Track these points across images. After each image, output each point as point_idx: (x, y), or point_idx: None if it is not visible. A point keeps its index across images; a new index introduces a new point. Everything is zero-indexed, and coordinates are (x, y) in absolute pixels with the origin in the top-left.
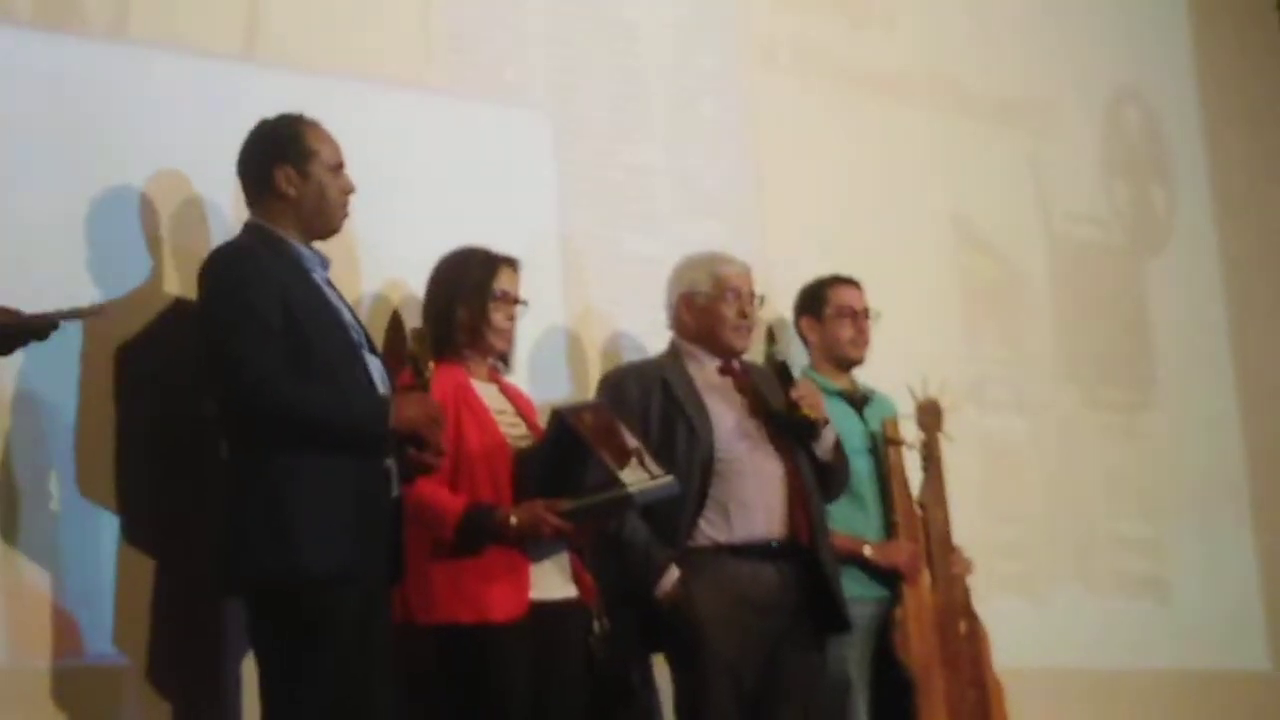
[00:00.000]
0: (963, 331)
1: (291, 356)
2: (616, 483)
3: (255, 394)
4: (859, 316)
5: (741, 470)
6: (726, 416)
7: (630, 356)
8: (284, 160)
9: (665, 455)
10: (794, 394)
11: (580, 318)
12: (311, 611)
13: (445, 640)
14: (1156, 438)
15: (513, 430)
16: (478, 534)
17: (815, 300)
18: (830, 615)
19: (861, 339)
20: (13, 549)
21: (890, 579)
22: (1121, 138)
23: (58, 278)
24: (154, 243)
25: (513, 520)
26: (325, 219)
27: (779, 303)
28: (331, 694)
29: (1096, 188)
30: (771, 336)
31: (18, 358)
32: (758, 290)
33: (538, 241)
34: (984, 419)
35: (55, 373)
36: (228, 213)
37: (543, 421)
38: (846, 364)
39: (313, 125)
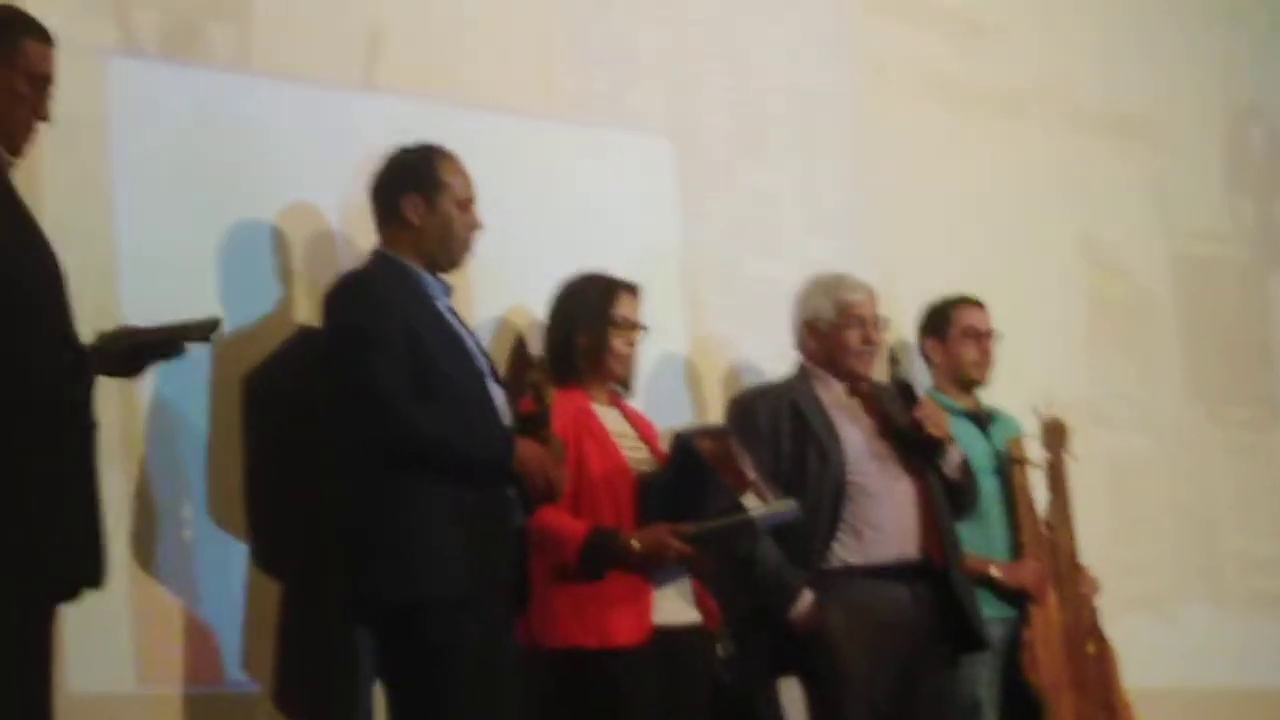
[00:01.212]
0: (1087, 350)
1: (417, 384)
2: (739, 507)
3: (382, 420)
4: (983, 337)
5: (873, 491)
6: (856, 438)
7: (751, 380)
8: (414, 190)
9: (796, 478)
10: (917, 413)
11: (701, 342)
12: (436, 636)
13: (569, 665)
14: None
15: (635, 454)
16: (600, 559)
17: (939, 321)
18: (964, 634)
19: (985, 359)
20: (146, 575)
21: (1018, 599)
22: (1244, 154)
23: (188, 308)
24: (282, 271)
25: (635, 545)
26: (449, 252)
27: (900, 322)
28: (460, 714)
29: (1220, 204)
30: (894, 358)
31: (149, 386)
32: (881, 313)
33: (659, 266)
34: (1109, 438)
35: (186, 401)
36: (353, 241)
37: (664, 445)
38: (970, 384)
39: (447, 158)
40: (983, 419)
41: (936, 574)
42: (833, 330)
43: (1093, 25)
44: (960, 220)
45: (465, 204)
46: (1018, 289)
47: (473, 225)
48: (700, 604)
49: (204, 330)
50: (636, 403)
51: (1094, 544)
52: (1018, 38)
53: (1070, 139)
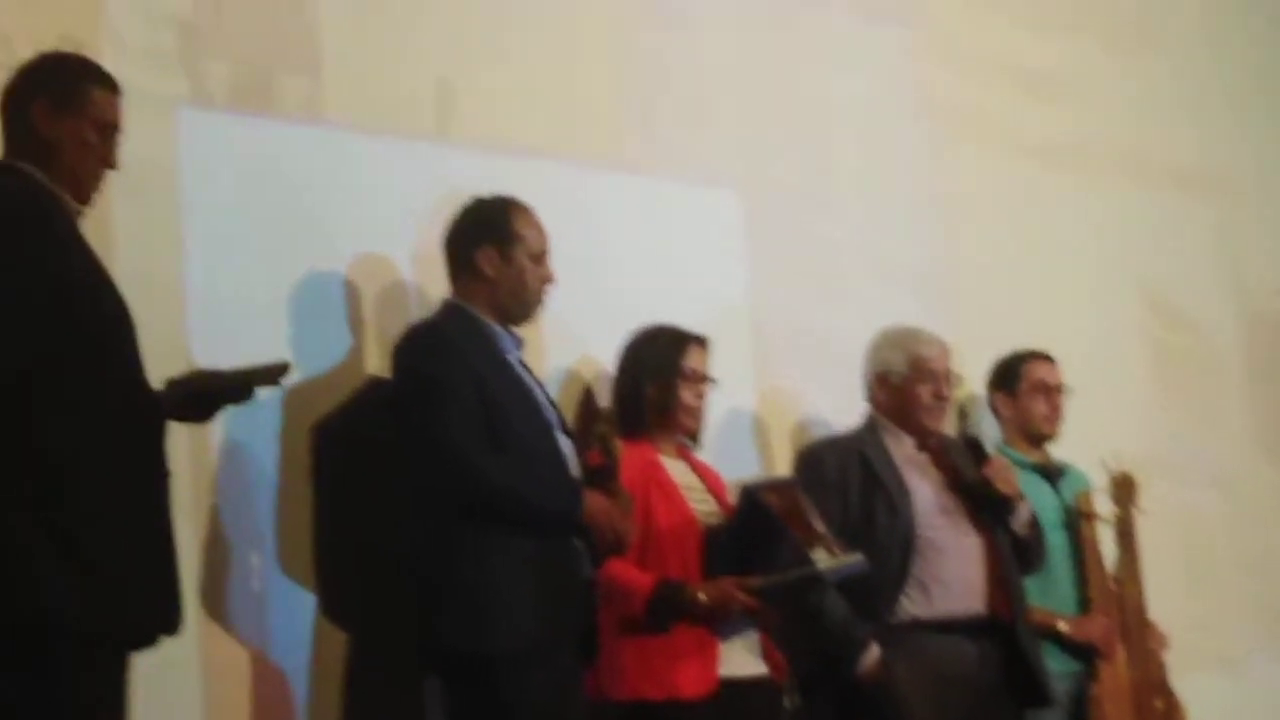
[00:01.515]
0: (1156, 405)
1: (486, 435)
2: (807, 560)
3: (452, 471)
4: (1053, 392)
5: (941, 546)
6: (925, 492)
7: (818, 433)
8: (488, 241)
9: (865, 531)
10: (986, 470)
11: (768, 394)
12: (505, 688)
13: (635, 717)
14: None
15: (702, 507)
16: (667, 611)
17: (1009, 376)
18: (1030, 689)
19: (1055, 414)
20: (215, 623)
21: (1085, 654)
22: None
23: (257, 357)
24: (352, 322)
25: (702, 597)
26: (521, 305)
27: (969, 377)
28: None
29: None
30: (963, 413)
31: (219, 434)
32: (953, 369)
33: (727, 318)
34: (1178, 492)
35: (256, 449)
36: (424, 291)
37: (731, 498)
38: (1040, 439)
39: (522, 210)
40: (1052, 473)
41: (1003, 629)
42: (904, 384)
43: (1163, 81)
44: (1029, 274)
45: (539, 257)
46: (1086, 344)
47: (546, 278)
48: (766, 656)
49: (274, 375)
50: (704, 455)
51: (1162, 599)
52: (1088, 93)
53: (1140, 194)
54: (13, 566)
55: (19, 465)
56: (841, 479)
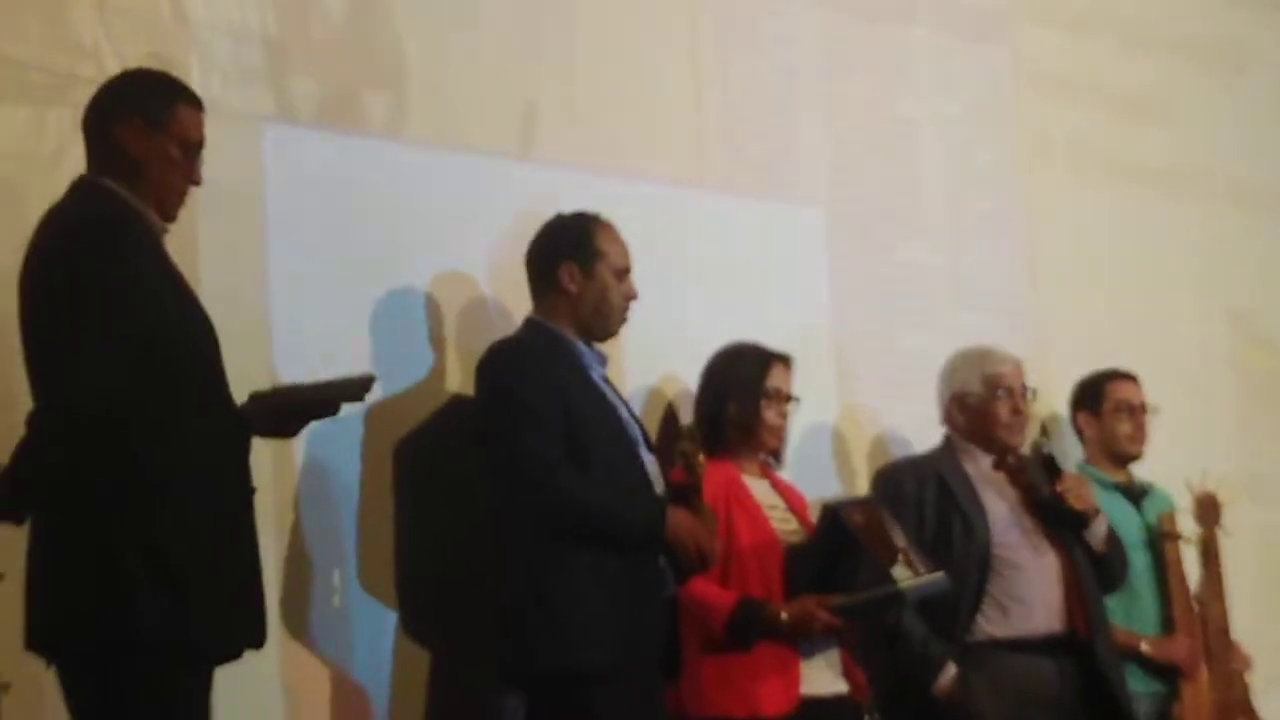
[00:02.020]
0: (1239, 425)
1: (571, 453)
2: (888, 579)
3: (536, 488)
4: (1137, 411)
5: (1018, 564)
6: (1002, 511)
7: (898, 452)
8: (571, 257)
9: (941, 551)
10: (1060, 487)
11: (850, 412)
12: (589, 706)
13: None
14: None
15: (784, 525)
16: (749, 629)
17: (1093, 395)
18: (1110, 710)
19: (1140, 434)
20: (296, 640)
21: (1168, 675)
22: None
23: (342, 373)
24: (435, 339)
25: (784, 616)
26: (604, 321)
27: (1053, 397)
28: None
29: None
30: (1044, 431)
31: (302, 451)
32: (1029, 383)
33: (810, 337)
34: (1261, 513)
35: (339, 467)
36: (506, 309)
37: (813, 517)
38: (1124, 459)
39: (605, 226)
40: (1135, 493)
41: (1082, 648)
42: (981, 404)
43: (1256, 102)
44: (1113, 295)
45: (622, 273)
46: (1173, 365)
47: (629, 295)
48: (848, 675)
49: (359, 388)
50: (785, 473)
51: (1246, 620)
52: (1179, 114)
53: (1229, 216)
54: (108, 584)
55: (117, 487)
56: (918, 499)
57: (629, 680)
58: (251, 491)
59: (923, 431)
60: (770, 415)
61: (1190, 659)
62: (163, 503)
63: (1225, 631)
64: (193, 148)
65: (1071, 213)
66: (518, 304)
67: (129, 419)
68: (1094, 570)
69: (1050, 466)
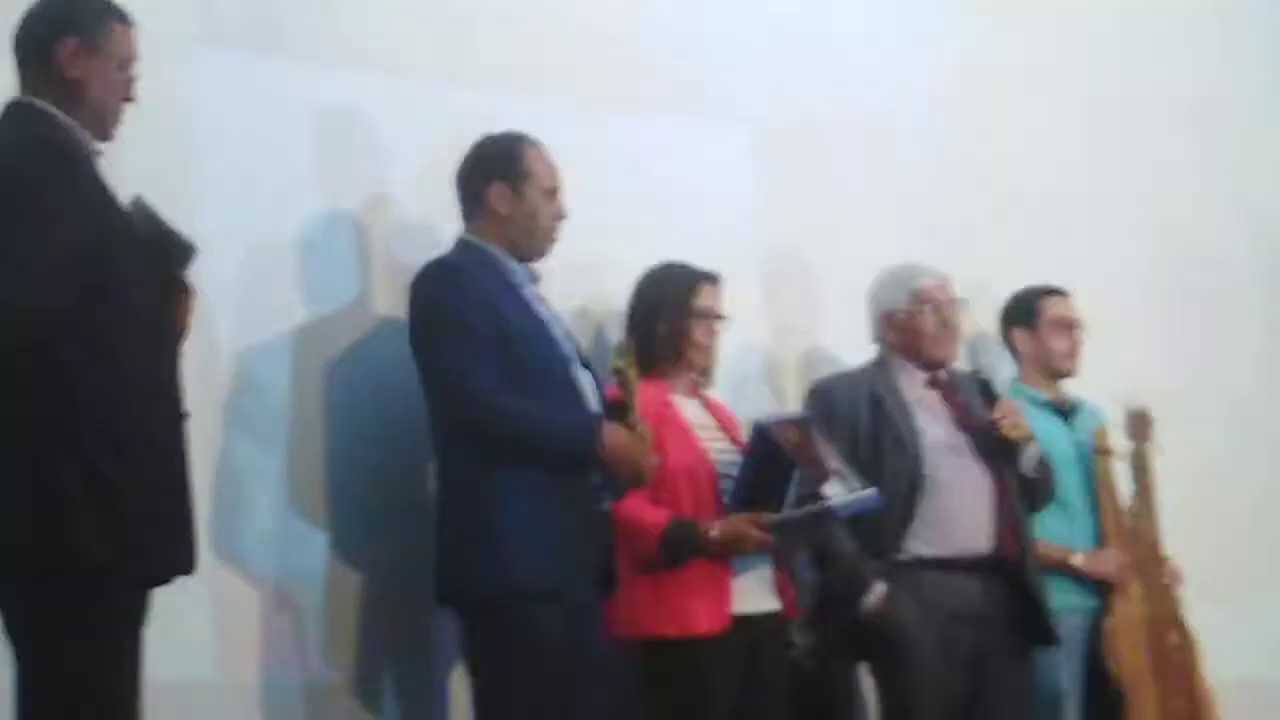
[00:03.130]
0: (1172, 342)
1: (504, 370)
2: (819, 496)
3: (470, 407)
4: (1072, 327)
5: (948, 485)
6: (934, 430)
7: (829, 370)
8: (499, 178)
9: (873, 468)
10: (995, 414)
11: (780, 332)
12: (523, 625)
13: (650, 654)
14: None
15: (715, 445)
16: (680, 548)
17: (1028, 312)
18: (1037, 628)
19: (1075, 350)
20: (225, 564)
21: (1100, 589)
22: None
23: (269, 295)
24: (364, 260)
25: (715, 534)
26: (534, 241)
27: (982, 314)
28: (544, 707)
29: None
30: (972, 351)
31: (230, 375)
32: (957, 297)
33: (739, 257)
34: (1193, 429)
35: (267, 390)
36: (435, 230)
37: (745, 435)
38: (1059, 375)
39: (533, 146)
40: (1066, 410)
41: (1010, 568)
42: (909, 319)
43: (1180, 12)
44: (1044, 212)
45: (551, 193)
46: (1102, 279)
47: (558, 215)
48: (780, 592)
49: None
50: (717, 392)
51: (1177, 535)
52: (1105, 28)
53: (1154, 128)
54: (48, 503)
55: (57, 406)
56: (851, 415)
57: (567, 599)
58: (184, 416)
59: (852, 348)
60: (699, 334)
61: (1122, 573)
62: (99, 424)
63: (1156, 546)
64: (129, 65)
65: (1002, 130)
66: (447, 225)
67: (65, 338)
68: (1023, 493)
69: (986, 392)
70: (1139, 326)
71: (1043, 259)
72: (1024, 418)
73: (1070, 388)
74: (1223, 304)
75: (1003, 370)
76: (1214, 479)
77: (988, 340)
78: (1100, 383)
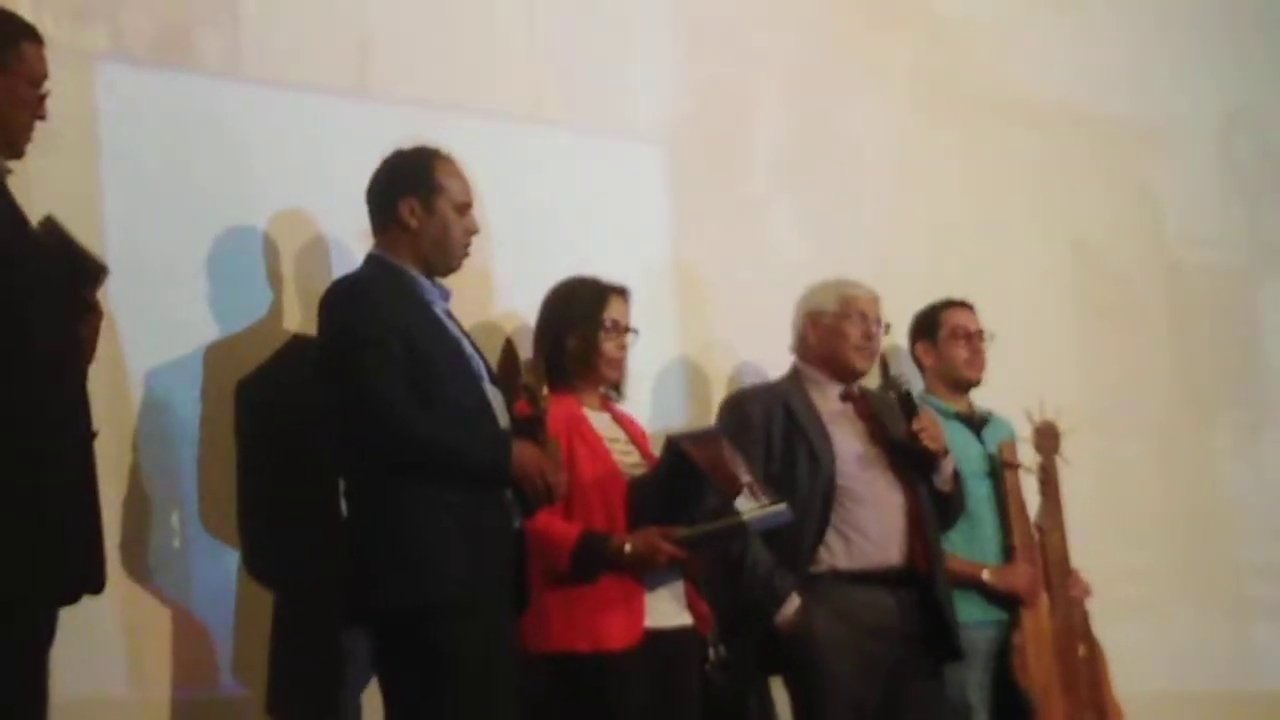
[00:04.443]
0: (1079, 354)
1: (415, 388)
2: (731, 510)
3: (381, 425)
4: (974, 338)
5: (862, 498)
6: (848, 444)
7: (746, 383)
8: (410, 192)
9: (787, 481)
10: (915, 425)
11: (697, 346)
12: (438, 640)
13: (561, 669)
14: (1277, 459)
15: (626, 458)
16: (592, 562)
17: (929, 324)
18: (946, 643)
19: (977, 360)
20: (137, 582)
21: (1009, 603)
22: (1235, 159)
23: (178, 313)
24: (273, 277)
25: (627, 548)
26: (445, 255)
27: (894, 330)
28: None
29: (1212, 210)
30: (884, 364)
31: (139, 392)
32: (884, 319)
33: (654, 272)
34: (1101, 442)
35: (177, 408)
36: (349, 247)
37: (657, 449)
38: (963, 386)
39: (446, 160)
40: (976, 422)
41: (921, 582)
42: (835, 323)
43: (1084, 30)
44: (953, 227)
45: (463, 208)
46: (1011, 294)
47: (470, 229)
48: (692, 607)
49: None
50: (637, 408)
51: (1088, 549)
52: (1014, 42)
53: (1063, 144)
54: None
55: None
56: (765, 427)
57: (478, 615)
58: (91, 435)
59: (767, 363)
60: (609, 347)
61: (1030, 587)
62: (5, 444)
63: (1065, 559)
64: (39, 83)
65: (912, 143)
66: (358, 242)
67: None
68: (935, 507)
69: (907, 404)
70: (1050, 341)
71: (954, 274)
72: (942, 431)
73: (982, 401)
74: (1132, 320)
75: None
76: (1125, 493)
77: (898, 356)
78: (1013, 397)
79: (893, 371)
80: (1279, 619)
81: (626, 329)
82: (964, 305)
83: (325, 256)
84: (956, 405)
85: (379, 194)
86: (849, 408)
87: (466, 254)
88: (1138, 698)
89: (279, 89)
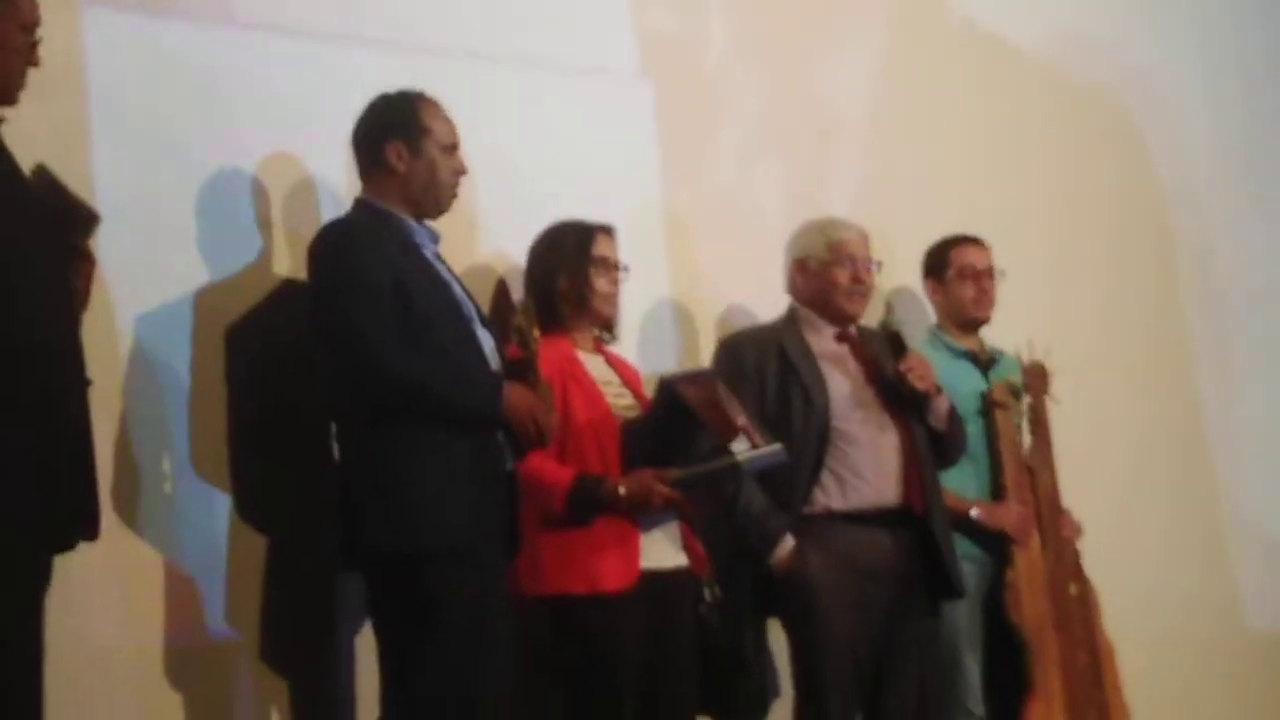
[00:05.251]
0: (1062, 299)
1: (404, 331)
2: (725, 451)
3: (370, 369)
4: (981, 276)
5: (856, 438)
6: (842, 385)
7: (739, 323)
8: (397, 136)
9: (781, 422)
10: (903, 365)
11: (689, 287)
12: (433, 585)
13: (558, 612)
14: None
15: (619, 401)
16: (587, 505)
17: (938, 262)
18: (943, 582)
19: (984, 299)
20: (129, 530)
21: (997, 541)
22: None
23: (168, 258)
24: (263, 222)
25: (622, 490)
26: (434, 198)
27: (902, 270)
28: (448, 668)
29: (1199, 151)
30: (889, 307)
31: (128, 339)
32: (875, 256)
33: (643, 211)
34: (1098, 383)
35: (168, 353)
36: (337, 191)
37: (650, 391)
38: (971, 324)
39: (429, 103)
40: (984, 361)
41: (918, 522)
42: (823, 268)
43: None
44: (958, 164)
45: (449, 149)
46: (1012, 231)
47: (458, 170)
48: (688, 548)
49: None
50: (626, 349)
51: (1078, 487)
52: None
53: (1048, 90)
54: None
55: None
56: (759, 370)
57: (471, 559)
58: (86, 382)
59: (761, 300)
60: (601, 284)
61: (1021, 526)
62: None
63: (1055, 499)
64: (32, 29)
65: (912, 78)
66: (346, 186)
67: None
68: (932, 446)
69: (896, 344)
70: (1038, 282)
71: (962, 210)
72: (931, 370)
73: (1001, 341)
74: (1119, 265)
75: (918, 326)
76: (1114, 432)
77: (902, 296)
78: (1020, 335)
79: (894, 314)
80: (1264, 560)
81: (616, 264)
82: (973, 242)
83: (314, 201)
84: (966, 343)
85: (364, 140)
86: (844, 349)
87: (455, 195)
88: (1128, 638)
89: (267, 33)
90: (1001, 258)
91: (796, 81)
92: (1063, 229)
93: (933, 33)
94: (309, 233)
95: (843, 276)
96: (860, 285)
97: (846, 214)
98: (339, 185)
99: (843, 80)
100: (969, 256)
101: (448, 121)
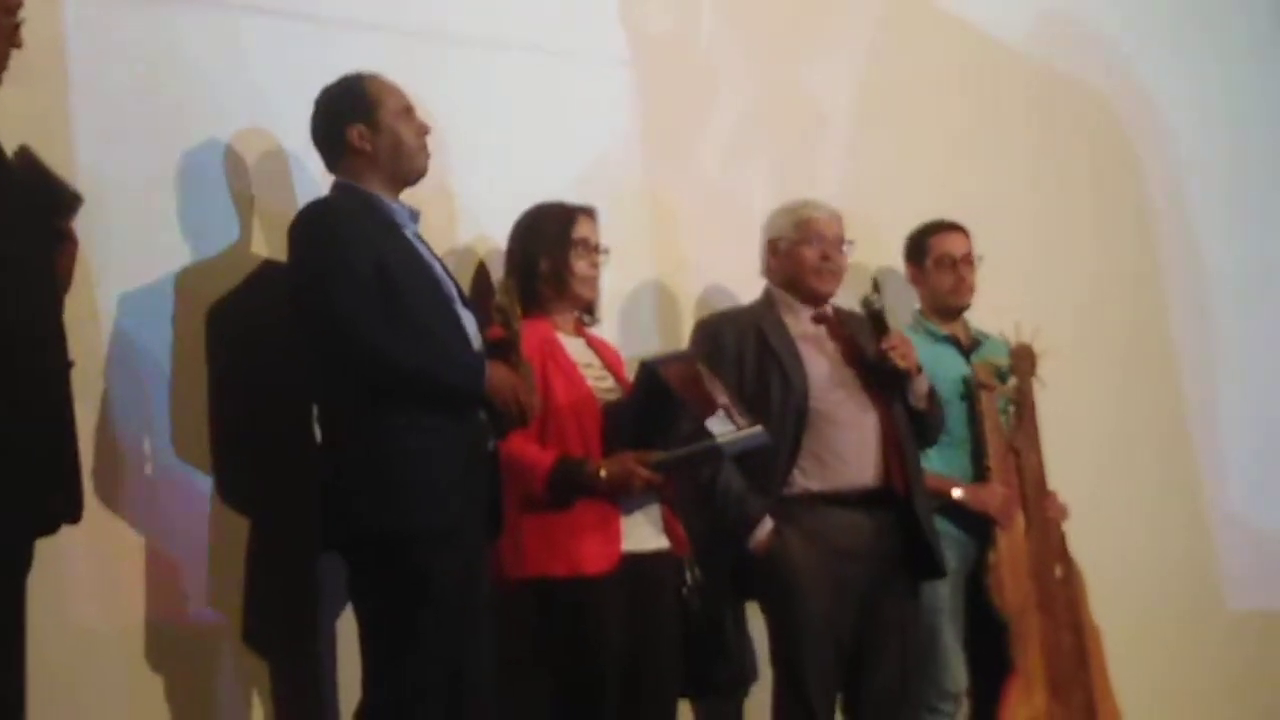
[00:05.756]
0: (1048, 286)
1: (385, 312)
2: (705, 433)
3: (352, 350)
4: (959, 264)
5: (835, 419)
6: (820, 366)
7: (720, 304)
8: (353, 119)
9: (759, 404)
10: (885, 344)
11: (672, 269)
12: (417, 566)
13: (539, 594)
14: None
15: (600, 383)
16: (568, 487)
17: (917, 248)
18: (925, 562)
19: (962, 287)
20: (110, 512)
21: (978, 523)
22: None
23: (147, 239)
24: (242, 203)
25: (602, 473)
26: (408, 164)
27: (887, 262)
28: (434, 648)
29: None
30: (875, 285)
31: (109, 321)
32: (847, 236)
33: (626, 195)
34: (1082, 365)
35: (148, 334)
36: (316, 173)
37: (631, 373)
38: (950, 311)
39: (372, 78)
40: (967, 345)
41: (898, 502)
42: (792, 248)
43: None
44: (940, 145)
45: (406, 112)
46: (996, 221)
47: (421, 130)
48: (668, 530)
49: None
50: (608, 331)
51: (1063, 469)
52: None
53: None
54: None
55: None
56: (738, 352)
57: (455, 540)
58: (68, 365)
59: (742, 283)
60: (581, 265)
61: (1004, 507)
62: None
63: (1041, 480)
64: (14, 9)
65: (908, 55)
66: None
67: None
68: (911, 426)
69: (878, 323)
70: (1023, 270)
71: (933, 204)
72: (914, 348)
73: (988, 325)
74: (1102, 253)
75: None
76: (1102, 414)
77: (891, 276)
78: (994, 322)
79: (879, 293)
80: (1245, 540)
81: (597, 247)
82: (952, 228)
83: (295, 182)
84: (947, 328)
85: (324, 133)
86: (821, 330)
87: (428, 153)
88: (1109, 617)
89: (247, 12)
90: (986, 248)
91: (783, 66)
92: (1048, 219)
93: (917, 24)
94: (289, 214)
95: (811, 255)
96: (829, 263)
97: (831, 201)
98: (318, 168)
99: (829, 69)
100: (947, 244)
101: (394, 89)
